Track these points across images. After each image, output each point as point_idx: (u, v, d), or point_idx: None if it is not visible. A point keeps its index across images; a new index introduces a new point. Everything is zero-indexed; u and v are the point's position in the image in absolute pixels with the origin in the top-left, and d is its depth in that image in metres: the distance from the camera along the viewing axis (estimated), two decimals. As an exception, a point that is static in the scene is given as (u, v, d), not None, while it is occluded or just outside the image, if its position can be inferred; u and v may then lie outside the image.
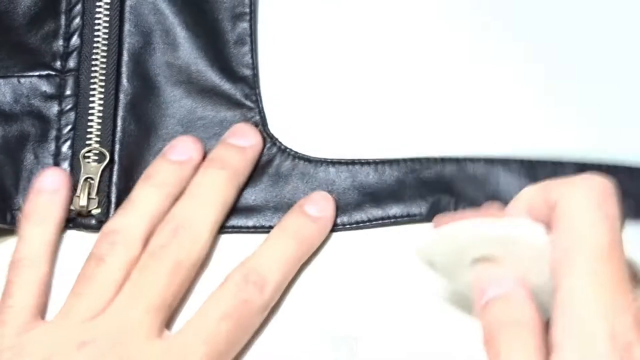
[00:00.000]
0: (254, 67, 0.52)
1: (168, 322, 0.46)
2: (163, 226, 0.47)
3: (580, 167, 0.49)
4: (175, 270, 0.46)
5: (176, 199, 0.49)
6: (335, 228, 0.49)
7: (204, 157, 0.50)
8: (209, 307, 0.46)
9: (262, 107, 0.51)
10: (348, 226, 0.49)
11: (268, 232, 0.49)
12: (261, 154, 0.50)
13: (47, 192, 0.49)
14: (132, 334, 0.45)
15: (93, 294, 0.46)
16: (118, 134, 0.51)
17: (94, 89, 0.51)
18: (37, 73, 0.51)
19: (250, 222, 0.50)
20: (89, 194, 0.49)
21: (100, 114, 0.51)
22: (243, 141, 0.50)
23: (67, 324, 0.45)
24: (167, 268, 0.46)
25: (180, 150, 0.50)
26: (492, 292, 0.40)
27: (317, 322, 0.48)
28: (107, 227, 0.48)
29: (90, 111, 0.51)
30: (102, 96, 0.51)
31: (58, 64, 0.52)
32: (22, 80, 0.51)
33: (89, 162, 0.50)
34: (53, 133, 0.51)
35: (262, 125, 0.51)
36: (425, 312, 0.48)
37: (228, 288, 0.46)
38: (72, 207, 0.49)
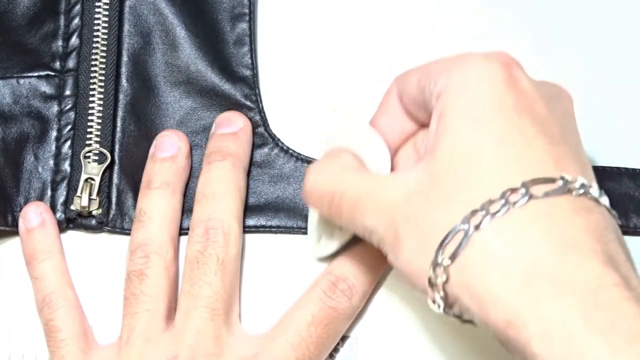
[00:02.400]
0: (254, 67, 0.52)
1: (234, 321, 0.47)
2: (192, 232, 0.47)
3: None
4: (221, 269, 0.46)
5: (182, 190, 0.49)
6: None
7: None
8: (297, 312, 0.46)
9: (262, 107, 0.51)
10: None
11: (269, 231, 0.49)
12: (254, 133, 0.51)
13: (37, 228, 0.49)
14: (208, 344, 0.45)
15: (149, 310, 0.46)
16: (118, 134, 0.51)
17: (94, 89, 0.51)
18: (36, 74, 0.51)
19: (251, 222, 0.50)
20: (89, 194, 0.49)
21: (100, 114, 0.51)
22: (232, 127, 0.50)
23: (135, 345, 0.46)
24: (213, 270, 0.46)
25: (167, 146, 0.50)
26: None
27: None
28: (133, 243, 0.48)
29: (90, 111, 0.51)
30: (101, 96, 0.51)
31: (57, 64, 0.52)
32: (22, 81, 0.51)
33: (89, 163, 0.50)
34: (53, 134, 0.51)
35: (262, 125, 0.51)
36: (425, 312, 0.48)
37: (316, 294, 0.46)
38: (72, 208, 0.49)
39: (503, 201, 0.35)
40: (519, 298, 0.34)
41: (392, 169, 0.44)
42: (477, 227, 0.35)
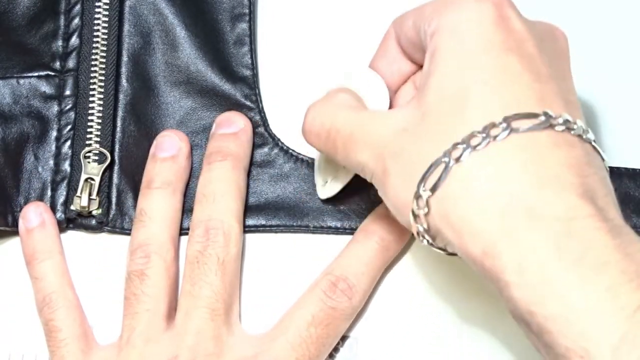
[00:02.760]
0: (254, 67, 0.52)
1: (235, 321, 0.47)
2: (192, 232, 0.47)
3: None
4: (221, 269, 0.46)
5: (183, 190, 0.49)
6: (337, 231, 0.49)
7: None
8: (297, 312, 0.46)
9: (262, 107, 0.51)
10: (349, 230, 0.49)
11: (269, 231, 0.49)
12: (254, 133, 0.51)
13: (36, 228, 0.49)
14: (208, 344, 0.45)
15: (150, 310, 0.46)
16: (118, 134, 0.51)
17: (94, 89, 0.51)
18: (36, 74, 0.51)
19: (251, 221, 0.50)
20: (89, 194, 0.49)
21: (100, 114, 0.51)
22: (232, 128, 0.50)
23: (135, 346, 0.46)
24: (213, 270, 0.46)
25: (168, 146, 0.50)
26: None
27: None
28: (133, 243, 0.48)
29: (90, 111, 0.51)
30: (101, 96, 0.51)
31: (57, 64, 0.52)
32: (22, 81, 0.51)
33: (89, 162, 0.50)
34: (53, 134, 0.51)
35: (262, 125, 0.51)
36: (425, 312, 0.48)
37: (317, 294, 0.46)
38: (72, 208, 0.49)
39: (484, 135, 0.36)
40: (495, 229, 0.35)
41: (393, 107, 0.45)
42: (457, 160, 0.36)
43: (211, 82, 0.51)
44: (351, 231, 0.49)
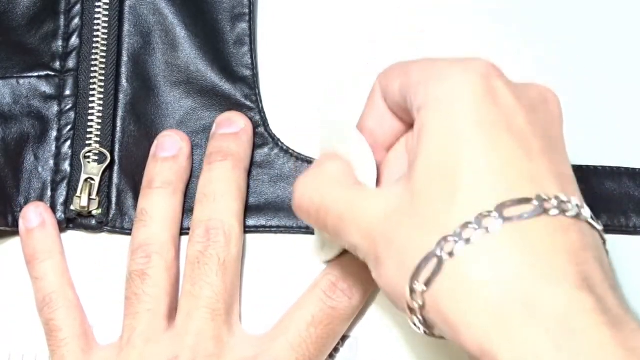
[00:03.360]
0: (254, 67, 0.52)
1: (235, 321, 0.47)
2: (192, 233, 0.47)
3: (579, 169, 0.49)
4: (221, 269, 0.46)
5: (183, 190, 0.49)
6: None
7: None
8: (297, 312, 0.46)
9: (262, 107, 0.51)
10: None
11: (269, 231, 0.49)
12: (254, 133, 0.50)
13: (37, 228, 0.49)
14: (209, 344, 0.45)
15: (151, 310, 0.46)
16: (118, 134, 0.51)
17: (94, 89, 0.51)
18: (36, 74, 0.51)
19: (251, 222, 0.50)
20: (89, 194, 0.49)
21: (100, 114, 0.51)
22: (233, 128, 0.50)
23: (136, 346, 0.46)
24: (214, 271, 0.46)
25: (169, 145, 0.50)
26: None
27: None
28: (134, 243, 0.48)
29: (90, 111, 0.51)
30: (101, 96, 0.51)
31: (57, 64, 0.52)
32: (21, 81, 0.51)
33: (89, 163, 0.50)
34: (53, 134, 0.51)
35: (262, 125, 0.51)
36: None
37: (317, 295, 0.46)
38: (72, 208, 0.49)
39: (476, 226, 0.35)
40: (491, 327, 0.34)
41: (383, 167, 0.44)
42: (450, 254, 0.35)
43: (211, 82, 0.51)
44: None
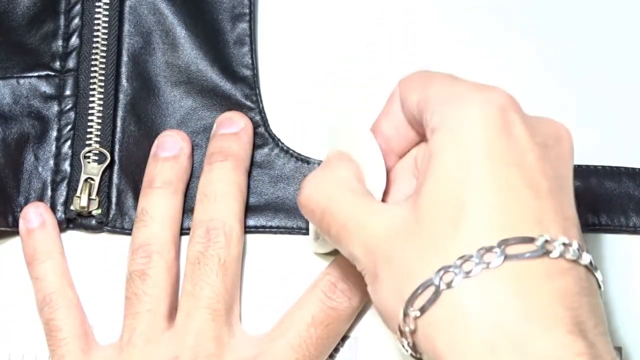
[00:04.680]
0: (254, 67, 0.52)
1: (235, 322, 0.47)
2: (193, 233, 0.47)
3: (579, 169, 0.49)
4: (222, 270, 0.46)
5: (184, 190, 0.49)
6: None
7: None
8: (297, 313, 0.46)
9: (263, 108, 0.51)
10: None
11: (269, 232, 0.49)
12: (254, 133, 0.50)
13: (37, 228, 0.49)
14: (209, 344, 0.45)
15: (151, 310, 0.46)
16: (118, 134, 0.51)
17: (94, 89, 0.51)
18: (36, 74, 0.51)
19: (251, 222, 0.49)
20: (89, 194, 0.49)
21: (100, 114, 0.51)
22: (233, 128, 0.50)
23: (136, 346, 0.46)
24: (214, 271, 0.46)
25: (170, 145, 0.50)
26: None
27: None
28: (134, 242, 0.48)
29: (90, 111, 0.51)
30: (101, 96, 0.51)
31: (57, 64, 0.52)
32: (22, 81, 0.51)
33: (89, 163, 0.50)
34: (53, 134, 0.51)
35: (263, 125, 0.51)
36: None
37: (316, 295, 0.46)
38: (72, 208, 0.49)
39: (477, 261, 0.35)
40: None
41: (392, 177, 0.43)
42: (448, 285, 0.35)
43: (211, 82, 0.51)
44: None
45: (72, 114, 0.51)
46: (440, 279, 0.35)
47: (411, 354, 0.37)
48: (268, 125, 0.51)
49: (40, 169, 0.50)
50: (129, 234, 0.49)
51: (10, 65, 0.51)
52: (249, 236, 0.49)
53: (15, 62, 0.52)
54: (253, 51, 0.52)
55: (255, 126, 0.51)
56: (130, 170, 0.50)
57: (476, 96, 0.38)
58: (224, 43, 0.52)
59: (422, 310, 0.35)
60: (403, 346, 0.37)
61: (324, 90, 0.52)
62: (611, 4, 0.53)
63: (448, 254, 0.35)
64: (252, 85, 0.51)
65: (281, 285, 0.49)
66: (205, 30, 0.52)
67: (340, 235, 0.40)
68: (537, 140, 0.38)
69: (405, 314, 0.36)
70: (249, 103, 0.51)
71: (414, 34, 0.53)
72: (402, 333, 0.37)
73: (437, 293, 0.35)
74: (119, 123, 0.51)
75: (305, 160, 0.50)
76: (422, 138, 0.42)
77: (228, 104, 0.51)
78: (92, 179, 0.50)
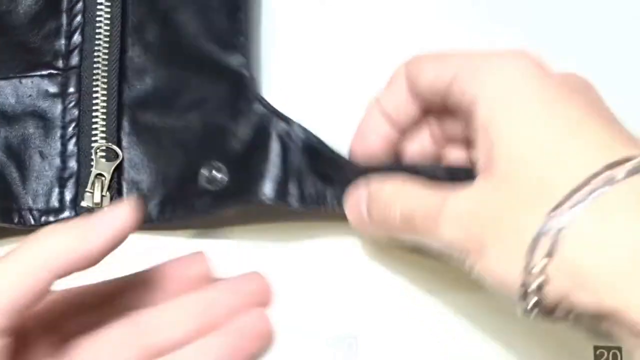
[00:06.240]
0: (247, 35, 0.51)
1: None
2: None
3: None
4: None
5: None
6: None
7: None
8: None
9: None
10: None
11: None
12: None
13: None
14: None
15: None
16: (125, 129, 0.51)
17: (97, 85, 0.51)
18: (39, 72, 0.51)
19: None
20: (101, 190, 0.50)
21: (104, 110, 0.51)
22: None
23: None
24: None
25: None
26: None
27: (317, 321, 0.48)
28: None
29: (95, 107, 0.51)
30: (105, 92, 0.51)
31: (60, 62, 0.52)
32: (25, 80, 0.51)
33: (100, 159, 0.50)
34: (58, 132, 0.51)
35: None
36: (425, 312, 0.48)
37: None
38: (83, 204, 0.49)
39: (586, 189, 0.35)
40: (633, 280, 0.34)
41: (408, 154, 0.45)
42: (568, 221, 0.35)
43: (208, 53, 0.51)
44: None
45: (75, 111, 0.51)
46: (557, 218, 0.35)
47: (536, 315, 0.37)
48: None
49: (46, 167, 0.51)
50: (140, 229, 0.49)
51: (13, 65, 0.51)
52: (249, 236, 0.49)
53: (18, 62, 0.51)
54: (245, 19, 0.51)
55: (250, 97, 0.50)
56: (138, 165, 0.51)
57: (508, 57, 0.39)
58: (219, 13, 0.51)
59: (550, 254, 0.35)
60: (525, 310, 0.37)
61: (324, 90, 0.52)
62: (611, 3, 0.52)
63: (554, 195, 0.36)
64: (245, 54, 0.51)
65: (281, 285, 0.49)
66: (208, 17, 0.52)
67: (430, 227, 0.40)
68: (570, 85, 0.39)
69: (531, 269, 0.36)
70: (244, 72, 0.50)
71: (416, 30, 0.53)
72: (525, 294, 0.36)
73: (559, 233, 0.35)
74: (124, 118, 0.51)
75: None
76: (424, 113, 0.45)
77: (226, 75, 0.50)
78: (103, 176, 0.50)
